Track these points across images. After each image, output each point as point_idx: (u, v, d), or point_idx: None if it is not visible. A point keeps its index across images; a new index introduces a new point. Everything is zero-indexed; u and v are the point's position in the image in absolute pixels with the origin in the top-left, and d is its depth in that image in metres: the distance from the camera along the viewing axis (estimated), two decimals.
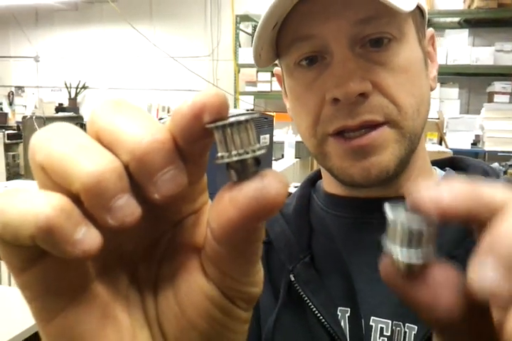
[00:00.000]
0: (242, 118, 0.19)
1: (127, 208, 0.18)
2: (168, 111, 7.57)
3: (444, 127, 3.73)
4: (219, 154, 0.21)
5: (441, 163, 0.51)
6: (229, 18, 6.33)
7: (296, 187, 2.18)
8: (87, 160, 0.18)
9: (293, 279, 0.47)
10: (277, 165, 2.91)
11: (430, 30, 0.48)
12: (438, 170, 0.50)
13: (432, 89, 0.46)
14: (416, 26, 0.44)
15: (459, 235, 0.41)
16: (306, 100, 0.43)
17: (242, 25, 5.53)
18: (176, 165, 0.20)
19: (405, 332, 0.40)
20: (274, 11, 0.39)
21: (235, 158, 0.20)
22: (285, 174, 2.90)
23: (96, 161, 0.18)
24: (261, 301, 0.50)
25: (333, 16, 0.39)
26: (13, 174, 5.25)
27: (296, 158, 3.37)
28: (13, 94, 8.65)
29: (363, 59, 0.40)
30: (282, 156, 3.45)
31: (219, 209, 0.19)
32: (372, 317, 0.42)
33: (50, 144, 0.19)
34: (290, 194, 0.56)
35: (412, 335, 0.39)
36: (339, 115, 0.41)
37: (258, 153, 0.20)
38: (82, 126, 6.49)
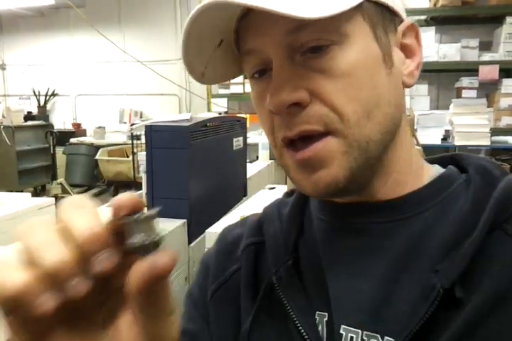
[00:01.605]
0: (143, 216, 0.30)
1: (77, 286, 0.27)
2: (141, 116, 7.49)
3: (415, 124, 3.79)
4: (129, 241, 0.30)
5: (444, 160, 0.49)
6: None
7: (271, 188, 2.16)
8: (50, 254, 0.28)
9: (275, 282, 0.46)
10: (252, 167, 2.90)
11: (406, 22, 0.44)
12: (436, 168, 0.47)
13: (407, 86, 0.43)
14: (371, 22, 0.40)
15: (442, 248, 0.39)
16: (260, 111, 0.44)
17: None
18: (108, 250, 0.28)
19: None
20: (214, 30, 0.40)
21: (137, 244, 0.29)
22: (260, 176, 2.90)
23: (56, 254, 0.28)
24: (242, 305, 0.49)
25: (269, 28, 0.39)
26: None
27: (270, 159, 3.37)
28: None
29: (302, 67, 0.39)
30: (257, 158, 3.45)
31: (131, 275, 0.29)
32: (342, 326, 0.41)
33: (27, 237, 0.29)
34: (293, 192, 0.54)
35: None
36: (281, 125, 0.41)
37: (156, 238, 0.30)
38: (52, 133, 6.35)
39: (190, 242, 1.71)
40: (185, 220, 1.68)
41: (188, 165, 1.70)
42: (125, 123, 7.51)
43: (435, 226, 0.40)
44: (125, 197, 0.31)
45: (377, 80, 0.40)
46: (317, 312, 0.43)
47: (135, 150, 5.26)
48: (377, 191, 0.43)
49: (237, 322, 0.49)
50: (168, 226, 1.61)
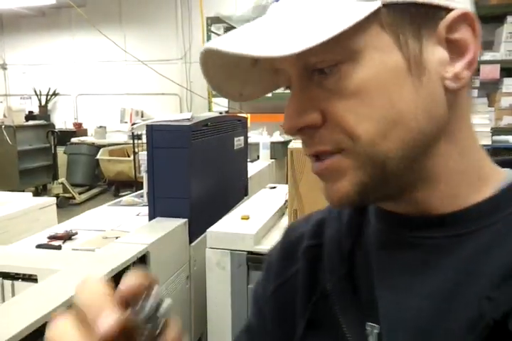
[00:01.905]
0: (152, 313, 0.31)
1: None
2: (142, 116, 7.49)
3: None
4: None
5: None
6: (200, 21, 6.32)
7: (272, 188, 2.17)
8: None
9: (328, 289, 0.46)
10: (253, 167, 2.91)
11: (455, 13, 0.37)
12: (509, 172, 0.42)
13: (451, 91, 0.38)
14: (392, 30, 0.37)
15: (504, 272, 0.35)
16: None
17: (213, 28, 5.51)
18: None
19: None
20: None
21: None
22: (261, 175, 2.91)
23: None
24: (297, 308, 0.49)
25: None
26: None
27: (271, 158, 3.38)
28: None
29: (318, 87, 0.38)
30: (258, 157, 3.46)
31: None
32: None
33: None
34: None
35: None
36: (303, 143, 0.42)
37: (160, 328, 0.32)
38: (53, 133, 6.36)
39: (191, 241, 1.71)
40: (186, 219, 1.69)
41: (189, 164, 1.71)
42: (126, 122, 7.51)
43: (500, 245, 0.37)
44: (133, 281, 0.32)
45: (397, 95, 0.37)
46: (368, 323, 0.43)
47: (136, 149, 5.27)
48: (426, 204, 0.41)
49: (293, 325, 0.49)
50: (170, 226, 1.62)
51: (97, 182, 6.37)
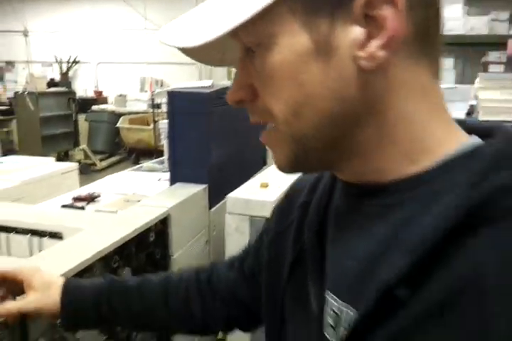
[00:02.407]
0: None
1: None
2: (162, 85, 7.48)
3: None
4: None
5: (484, 132, 0.42)
6: None
7: None
8: None
9: (305, 245, 0.50)
10: None
11: None
12: (473, 140, 0.41)
13: (366, 71, 0.37)
14: (298, 13, 0.37)
15: (404, 268, 0.36)
16: None
17: None
18: None
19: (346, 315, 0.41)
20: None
21: None
22: None
23: None
24: (286, 259, 0.53)
25: None
26: (7, 150, 5.22)
27: None
28: (2, 69, 8.50)
29: (252, 65, 0.41)
30: None
31: None
32: (330, 294, 0.44)
33: None
34: None
35: (350, 319, 0.41)
36: None
37: None
38: (75, 100, 6.42)
39: (211, 207, 1.75)
40: (206, 185, 1.72)
41: (209, 130, 1.72)
42: (146, 91, 7.52)
43: (421, 216, 0.37)
44: None
45: (305, 78, 0.38)
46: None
47: (156, 118, 5.30)
48: (360, 175, 0.42)
49: (281, 273, 0.53)
50: (190, 191, 1.66)
51: (117, 149, 6.46)
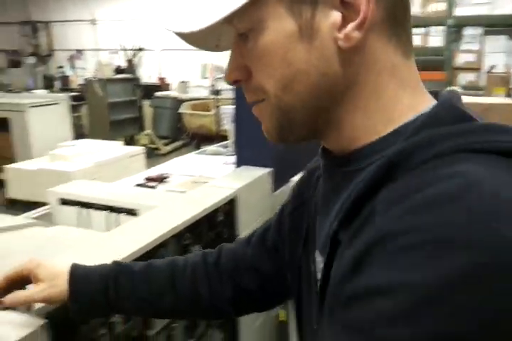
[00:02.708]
0: None
1: None
2: (222, 71, 7.57)
3: (511, 80, 3.50)
4: None
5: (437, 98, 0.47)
6: None
7: None
8: None
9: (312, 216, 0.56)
10: None
11: None
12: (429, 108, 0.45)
13: (344, 50, 0.43)
14: (285, 1, 0.43)
15: (342, 216, 0.42)
16: None
17: None
18: None
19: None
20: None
21: None
22: None
23: None
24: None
25: None
26: (78, 134, 5.52)
27: None
28: (73, 57, 8.95)
29: (245, 48, 0.46)
30: None
31: None
32: (317, 251, 0.52)
33: None
34: None
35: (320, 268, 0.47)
36: None
37: None
38: (140, 86, 6.65)
39: (274, 190, 1.77)
40: (271, 169, 1.74)
41: None
42: (207, 78, 7.64)
43: (361, 181, 0.42)
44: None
45: (292, 57, 0.44)
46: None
47: (217, 104, 5.38)
48: (337, 144, 0.48)
49: (298, 246, 0.59)
50: (255, 174, 1.69)
51: (179, 135, 6.65)
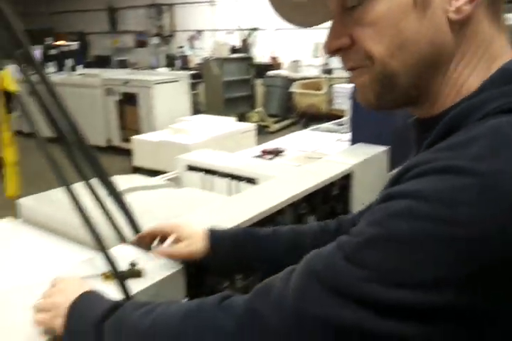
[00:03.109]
0: None
1: None
2: None
3: None
4: None
5: None
6: None
7: None
8: None
9: None
10: None
11: None
12: None
13: (454, 22, 0.46)
14: None
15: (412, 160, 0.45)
16: None
17: None
18: None
19: None
20: None
21: None
22: None
23: None
24: None
25: None
26: (196, 110, 5.84)
27: None
28: (193, 38, 9.41)
29: (350, 17, 0.49)
30: None
31: None
32: None
33: None
34: None
35: None
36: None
37: None
38: (253, 65, 6.80)
39: (390, 170, 1.74)
40: (388, 147, 1.71)
41: None
42: (318, 57, 7.56)
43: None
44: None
45: (403, 26, 0.47)
46: None
47: (330, 83, 5.33)
48: (429, 110, 0.51)
49: None
50: (371, 151, 1.67)
51: (289, 113, 6.72)
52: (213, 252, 0.81)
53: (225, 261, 0.83)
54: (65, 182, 0.74)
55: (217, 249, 0.81)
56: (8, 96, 0.66)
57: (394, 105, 0.52)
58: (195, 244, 0.82)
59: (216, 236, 0.82)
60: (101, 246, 0.76)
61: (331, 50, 0.51)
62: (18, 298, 0.73)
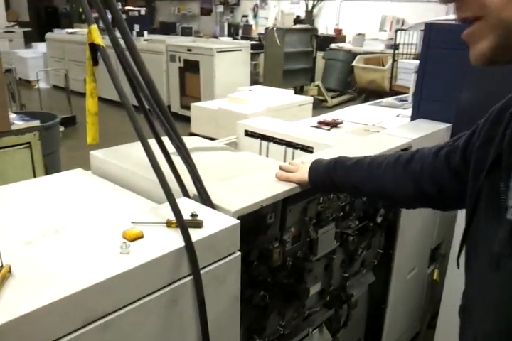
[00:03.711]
0: None
1: None
2: (403, 24, 7.11)
3: None
4: None
5: None
6: None
7: None
8: None
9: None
10: None
11: None
12: None
13: None
14: None
15: None
16: None
17: None
18: None
19: None
20: None
21: None
22: None
23: None
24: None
25: None
26: (254, 81, 5.85)
27: None
28: (257, 6, 9.30)
29: None
30: None
31: None
32: None
33: None
34: None
35: None
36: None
37: None
38: (317, 37, 6.66)
39: None
40: (450, 125, 1.67)
41: (464, 67, 1.63)
42: (385, 31, 7.27)
43: None
44: None
45: None
46: None
47: (394, 58, 5.14)
48: None
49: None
50: (433, 127, 1.64)
51: (348, 89, 6.58)
52: (311, 178, 1.04)
53: (321, 186, 1.05)
54: (142, 136, 0.80)
55: (314, 176, 1.04)
56: (95, 49, 0.71)
57: (508, 60, 0.51)
58: (304, 174, 1.05)
59: (314, 167, 1.05)
60: (170, 195, 0.82)
61: None
62: (98, 236, 0.81)
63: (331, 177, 1.01)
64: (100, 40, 0.71)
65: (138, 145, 0.84)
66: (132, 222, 0.83)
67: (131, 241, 0.78)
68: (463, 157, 0.75)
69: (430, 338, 1.78)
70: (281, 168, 1.11)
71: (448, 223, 1.78)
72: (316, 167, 1.05)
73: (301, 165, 1.09)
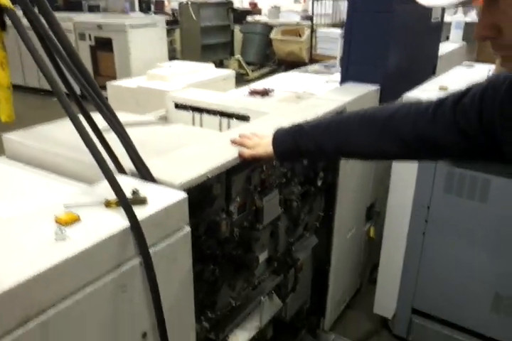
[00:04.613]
0: None
1: None
2: None
3: None
4: None
5: None
6: None
7: (469, 66, 1.98)
8: None
9: None
10: (442, 47, 2.66)
11: None
12: None
13: None
14: None
15: None
16: None
17: None
18: None
19: None
20: None
21: None
22: (452, 57, 2.67)
23: None
24: None
25: None
26: (171, 57, 5.63)
27: (463, 40, 3.04)
28: None
29: (496, 8, 0.51)
30: (447, 38, 3.14)
31: None
32: None
33: None
34: None
35: None
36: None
37: None
38: (234, 10, 6.53)
39: None
40: (378, 86, 1.69)
41: (389, 30, 1.64)
42: (300, 3, 7.30)
43: None
44: None
45: None
46: None
47: (311, 29, 5.17)
48: None
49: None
50: (363, 90, 1.65)
51: (267, 61, 6.56)
52: (276, 148, 0.99)
53: (288, 157, 1.02)
54: (70, 109, 0.70)
55: (279, 145, 0.99)
56: (1, 11, 0.59)
57: None
58: (266, 145, 1.00)
59: (277, 136, 1.00)
60: (108, 172, 0.73)
61: (480, 38, 0.55)
62: (26, 223, 0.71)
63: (299, 146, 0.96)
64: (7, 0, 0.59)
65: (56, 125, 0.73)
66: (65, 205, 0.74)
67: (67, 225, 0.69)
68: (479, 120, 0.76)
69: (370, 292, 1.89)
70: (234, 142, 1.06)
71: (381, 181, 1.83)
72: (280, 138, 1.00)
73: (260, 139, 1.04)
